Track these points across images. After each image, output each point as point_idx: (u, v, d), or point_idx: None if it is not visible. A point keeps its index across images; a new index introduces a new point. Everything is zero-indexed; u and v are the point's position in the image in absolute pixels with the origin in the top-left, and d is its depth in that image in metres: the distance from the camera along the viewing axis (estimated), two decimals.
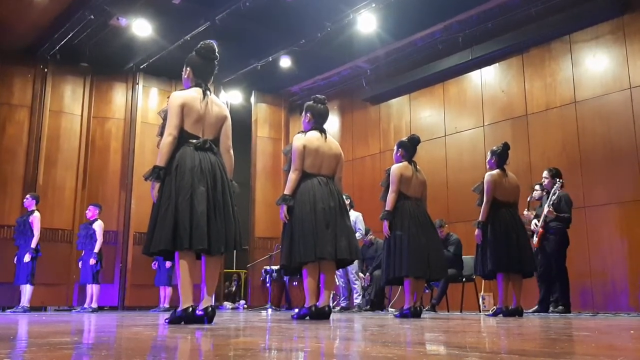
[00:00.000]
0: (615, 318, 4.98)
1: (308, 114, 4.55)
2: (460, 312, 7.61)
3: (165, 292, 8.99)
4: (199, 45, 3.65)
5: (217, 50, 3.66)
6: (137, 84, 10.48)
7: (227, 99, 11.13)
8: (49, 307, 9.28)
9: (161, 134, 3.44)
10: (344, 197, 4.67)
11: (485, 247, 5.45)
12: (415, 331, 2.87)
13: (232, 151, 3.64)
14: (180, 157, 3.34)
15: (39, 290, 8.37)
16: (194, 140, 3.41)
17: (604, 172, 7.39)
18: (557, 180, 6.41)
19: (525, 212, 6.58)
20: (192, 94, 3.50)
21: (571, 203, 6.48)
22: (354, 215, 7.68)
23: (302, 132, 4.53)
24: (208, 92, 3.56)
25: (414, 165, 5.25)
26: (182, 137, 3.40)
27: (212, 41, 3.67)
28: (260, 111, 11.72)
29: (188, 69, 3.64)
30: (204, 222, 3.24)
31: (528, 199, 6.79)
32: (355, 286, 8.00)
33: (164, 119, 3.45)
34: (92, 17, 8.41)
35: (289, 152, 4.47)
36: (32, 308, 8.01)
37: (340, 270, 7.32)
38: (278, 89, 11.68)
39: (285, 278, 9.32)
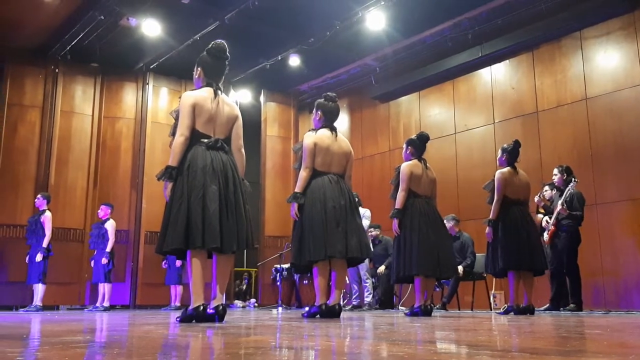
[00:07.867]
0: (628, 316, 4.94)
1: (319, 112, 4.54)
2: (471, 310, 7.59)
3: (176, 291, 9.03)
4: (210, 45, 3.66)
5: (227, 49, 3.67)
6: (147, 83, 10.52)
7: (237, 98, 11.15)
8: (61, 306, 9.34)
9: (173, 133, 3.46)
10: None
11: (496, 245, 5.42)
12: (425, 329, 2.86)
13: (243, 150, 3.65)
14: (192, 156, 3.36)
15: (52, 289, 8.44)
16: (206, 140, 3.43)
17: (615, 169, 7.34)
18: (573, 179, 6.36)
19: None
20: (203, 94, 3.51)
21: (584, 201, 6.44)
22: (361, 212, 7.61)
23: (313, 130, 4.52)
24: (219, 92, 3.57)
25: (424, 163, 5.23)
26: (194, 137, 3.42)
27: (222, 41, 3.68)
28: (270, 110, 11.73)
29: (199, 68, 3.65)
30: (216, 220, 3.25)
31: (536, 199, 6.72)
32: (367, 284, 7.98)
33: (176, 119, 3.47)
34: (102, 17, 8.47)
35: (300, 150, 4.46)
36: (45, 307, 8.08)
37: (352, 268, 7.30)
38: (287, 88, 11.69)
39: (296, 276, 9.32)
